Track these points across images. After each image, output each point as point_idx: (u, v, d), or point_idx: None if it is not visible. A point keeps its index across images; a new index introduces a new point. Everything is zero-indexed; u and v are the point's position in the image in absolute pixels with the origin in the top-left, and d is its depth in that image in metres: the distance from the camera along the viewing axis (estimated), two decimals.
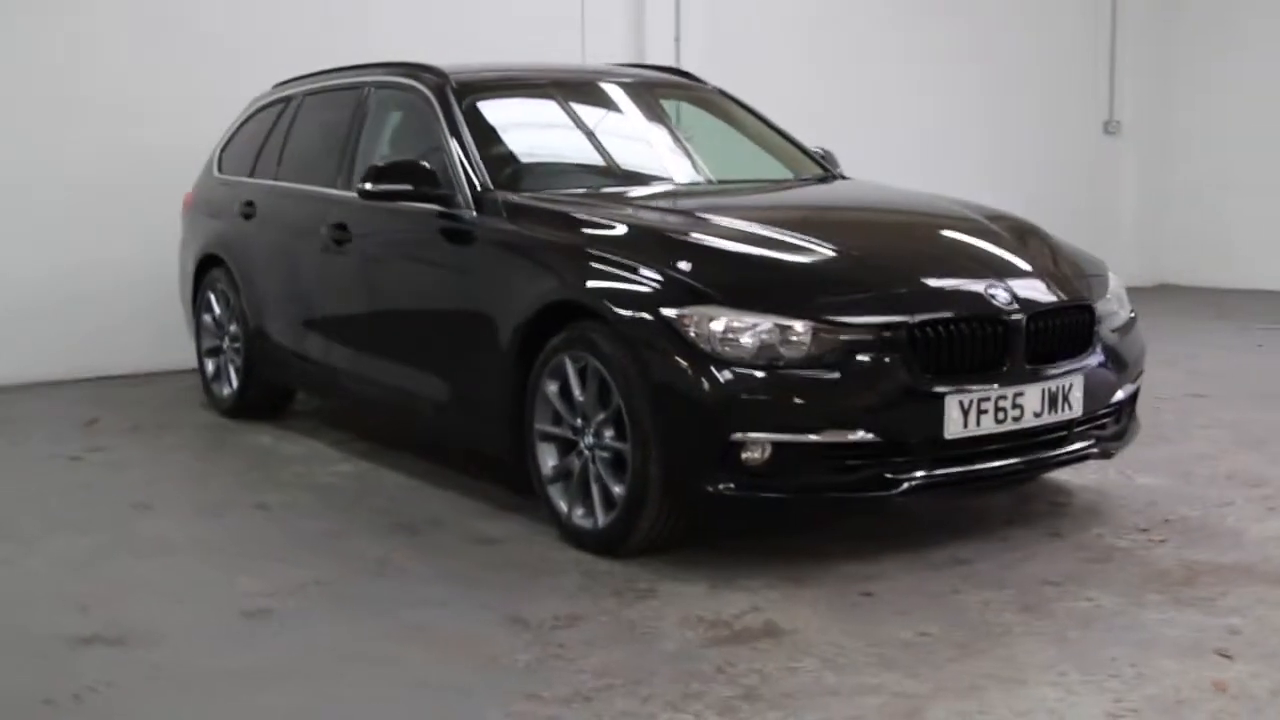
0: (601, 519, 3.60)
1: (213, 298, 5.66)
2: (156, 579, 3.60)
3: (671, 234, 3.78)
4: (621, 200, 4.19)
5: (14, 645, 3.12)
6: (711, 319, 3.34)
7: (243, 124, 5.84)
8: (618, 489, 3.53)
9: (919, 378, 3.37)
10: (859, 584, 3.38)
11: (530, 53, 6.72)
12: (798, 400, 3.33)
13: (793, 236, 3.75)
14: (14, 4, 6.28)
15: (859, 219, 4.42)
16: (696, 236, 3.74)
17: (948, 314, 3.44)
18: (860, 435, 3.34)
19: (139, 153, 6.45)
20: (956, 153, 9.13)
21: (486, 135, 4.38)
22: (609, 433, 3.55)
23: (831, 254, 3.66)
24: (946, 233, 4.04)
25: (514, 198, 4.11)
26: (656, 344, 3.40)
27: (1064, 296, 3.69)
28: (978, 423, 3.42)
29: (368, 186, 4.26)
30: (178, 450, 5.19)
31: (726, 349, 3.32)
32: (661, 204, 4.24)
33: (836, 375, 3.33)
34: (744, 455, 3.33)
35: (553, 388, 3.71)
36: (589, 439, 3.63)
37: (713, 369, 3.32)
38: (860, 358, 3.34)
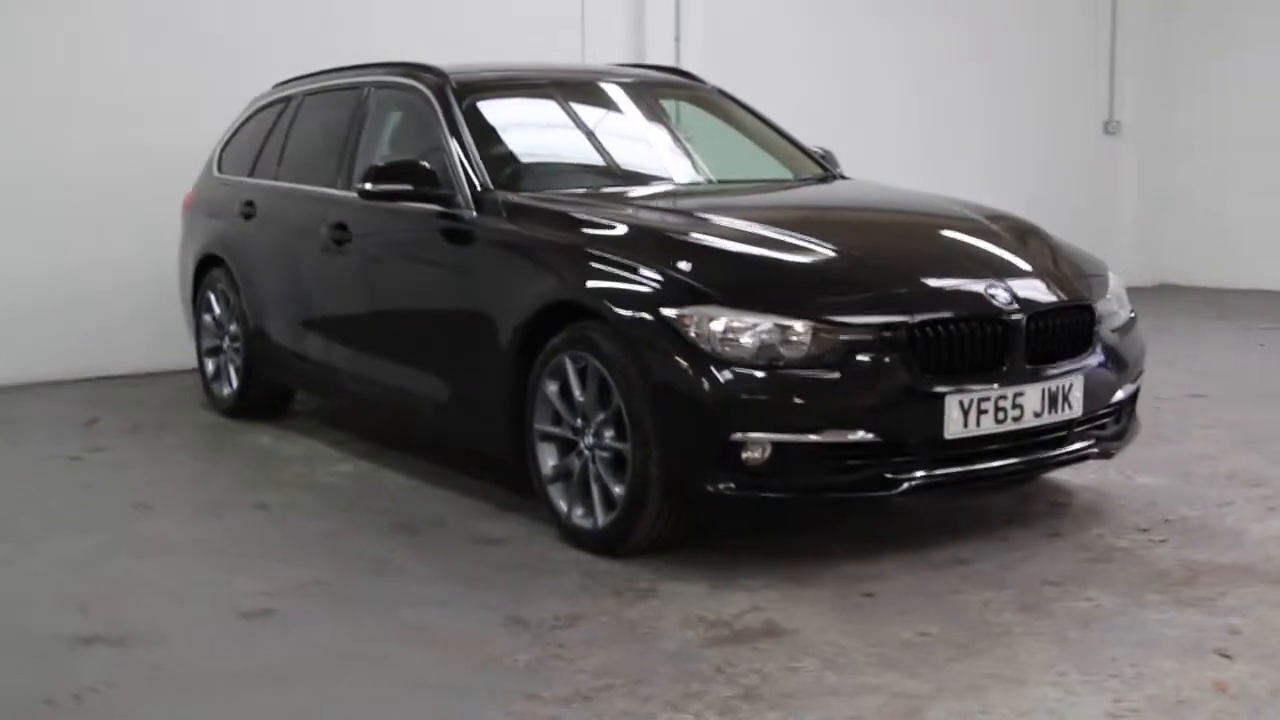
0: (601, 519, 3.60)
1: (212, 298, 5.66)
2: (156, 579, 3.60)
3: (672, 234, 3.78)
4: (622, 200, 4.19)
5: (14, 645, 3.12)
6: (712, 319, 3.34)
7: (242, 124, 5.84)
8: (618, 489, 3.53)
9: (919, 378, 3.37)
10: (859, 584, 3.38)
11: (530, 53, 6.72)
12: (798, 400, 3.33)
13: (793, 237, 3.75)
14: (14, 4, 6.29)
15: (859, 219, 4.42)
16: (697, 236, 3.74)
17: (948, 314, 3.44)
18: (860, 435, 3.34)
19: (139, 153, 6.45)
20: (956, 153, 9.13)
21: (486, 135, 4.38)
22: (609, 433, 3.55)
23: (832, 254, 3.66)
24: (946, 233, 4.04)
25: (514, 198, 4.11)
26: (657, 344, 3.39)
27: (1064, 296, 3.69)
28: (978, 423, 3.42)
29: (368, 186, 4.26)
30: (177, 450, 5.19)
31: (727, 349, 3.32)
32: (662, 204, 4.24)
33: (837, 375, 3.33)
34: (744, 455, 3.33)
35: (553, 388, 3.71)
36: (589, 439, 3.63)
37: (713, 369, 3.32)
38: (860, 358, 3.34)
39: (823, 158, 5.05)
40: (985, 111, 9.55)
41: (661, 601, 3.28)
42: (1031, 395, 3.50)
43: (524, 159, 4.49)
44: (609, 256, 3.64)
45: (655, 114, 4.87)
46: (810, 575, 3.45)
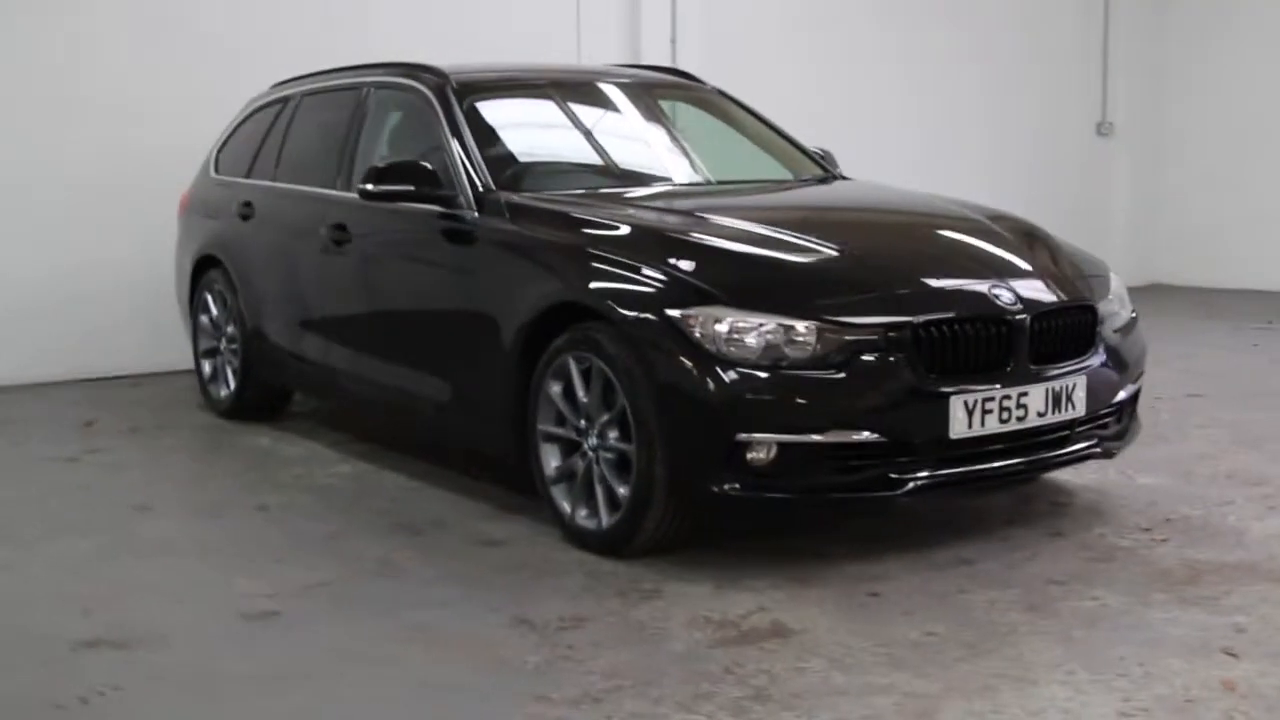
0: (606, 520, 3.59)
1: (210, 299, 5.64)
2: (158, 581, 3.58)
3: (675, 234, 3.78)
4: (624, 201, 4.19)
5: (17, 648, 3.10)
6: (717, 319, 3.34)
7: (240, 124, 5.82)
8: (622, 490, 3.52)
9: (924, 378, 3.38)
10: (864, 584, 3.38)
11: (525, 54, 6.71)
12: (803, 400, 3.33)
13: (796, 237, 3.75)
14: (14, 4, 6.26)
15: (861, 219, 4.42)
16: (700, 237, 3.74)
17: (952, 314, 3.44)
18: (865, 435, 3.34)
19: (139, 153, 6.44)
20: (951, 154, 9.15)
21: (487, 136, 4.37)
22: (613, 433, 3.55)
23: (835, 254, 3.66)
24: (949, 233, 4.05)
25: (516, 198, 4.10)
26: (661, 344, 3.39)
27: (1067, 297, 3.70)
28: (982, 423, 3.43)
29: (369, 187, 4.25)
30: (176, 451, 5.17)
31: (731, 349, 3.32)
32: (664, 204, 4.23)
33: (841, 375, 3.33)
34: (749, 455, 3.33)
35: (556, 388, 3.71)
36: (593, 440, 3.62)
37: (718, 369, 3.32)
38: (865, 358, 3.34)
39: (822, 158, 5.06)
40: (980, 113, 9.58)
41: (667, 602, 3.28)
42: (1035, 395, 3.51)
43: (525, 159, 4.49)
44: (612, 257, 3.64)
45: (656, 114, 4.87)
46: (814, 575, 3.45)
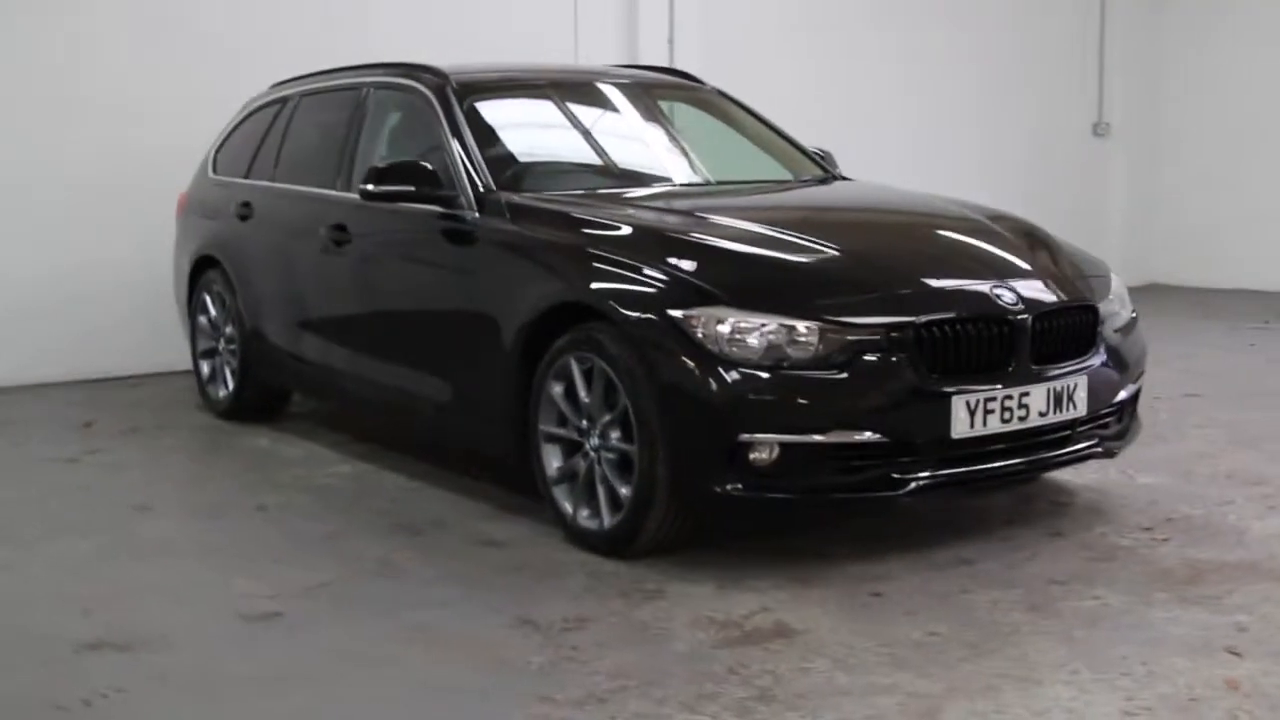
0: (607, 520, 3.59)
1: (208, 299, 5.63)
2: (159, 582, 3.58)
3: (676, 235, 3.78)
4: (624, 201, 4.19)
5: (19, 650, 3.10)
6: (719, 319, 3.34)
7: (238, 125, 5.82)
8: (624, 490, 3.52)
9: (926, 378, 3.38)
10: (867, 584, 3.39)
11: (523, 53, 6.71)
12: (805, 401, 3.33)
13: (798, 237, 3.75)
14: (14, 4, 6.25)
15: (863, 220, 4.43)
16: (702, 237, 3.74)
17: (954, 314, 3.45)
18: (867, 436, 3.34)
19: (139, 153, 6.43)
20: (948, 154, 9.16)
21: (488, 136, 4.37)
22: (615, 434, 3.55)
23: (837, 255, 3.66)
24: (950, 233, 4.05)
25: (517, 199, 4.10)
26: (664, 345, 3.39)
27: (1068, 297, 3.71)
28: (984, 423, 3.43)
29: (370, 188, 4.24)
30: (175, 452, 5.16)
31: (734, 349, 3.32)
32: (665, 204, 4.23)
33: (844, 376, 3.33)
34: (752, 456, 3.33)
35: (557, 389, 3.70)
36: (594, 440, 3.62)
37: (720, 369, 3.32)
38: (867, 358, 3.35)
39: (822, 159, 5.06)
40: (977, 114, 9.59)
41: (670, 602, 3.28)
42: (1037, 395, 3.51)
43: (526, 160, 4.49)
44: (614, 257, 3.64)
45: (656, 115, 4.87)
46: (817, 576, 3.45)
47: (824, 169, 5.00)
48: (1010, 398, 3.46)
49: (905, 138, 9.00)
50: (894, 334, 3.37)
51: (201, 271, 5.66)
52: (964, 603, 3.25)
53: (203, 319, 5.68)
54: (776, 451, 3.33)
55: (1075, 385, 3.60)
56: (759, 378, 3.31)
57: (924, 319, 3.40)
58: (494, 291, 3.95)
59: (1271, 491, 4.23)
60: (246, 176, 5.53)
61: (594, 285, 3.62)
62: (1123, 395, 3.86)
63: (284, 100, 5.51)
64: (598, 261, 3.65)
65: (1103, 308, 3.81)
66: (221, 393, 5.59)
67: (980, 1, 9.61)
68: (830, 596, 3.30)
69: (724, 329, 3.33)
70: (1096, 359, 3.72)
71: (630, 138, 4.81)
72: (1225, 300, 9.34)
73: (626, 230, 3.82)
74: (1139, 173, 10.48)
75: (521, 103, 4.81)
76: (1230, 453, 4.76)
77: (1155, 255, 10.40)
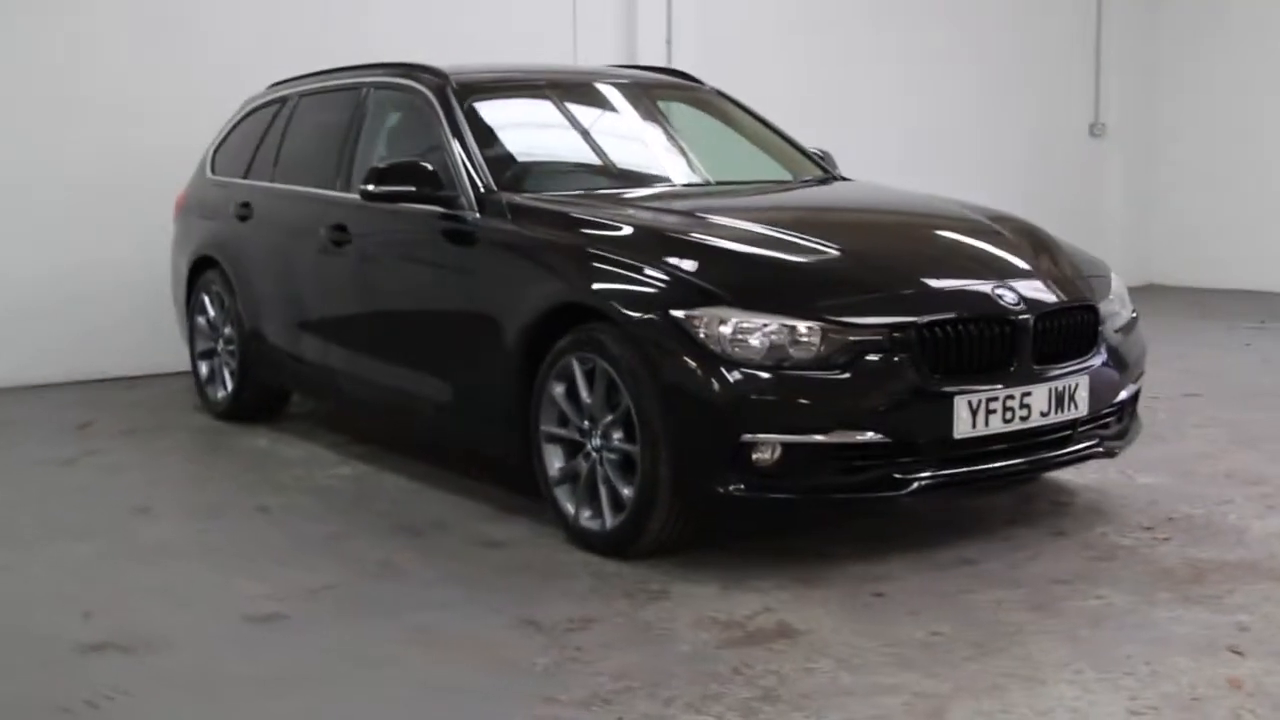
0: (610, 521, 3.59)
1: (207, 300, 5.62)
2: (160, 583, 3.57)
3: (678, 235, 3.78)
4: (625, 201, 4.19)
5: (22, 652, 3.09)
6: (721, 320, 3.34)
7: (236, 125, 5.81)
8: (626, 490, 3.52)
9: (928, 378, 3.38)
10: (869, 584, 3.39)
11: (521, 54, 6.71)
12: (807, 401, 3.33)
13: (799, 238, 3.75)
14: (14, 4, 6.25)
15: (864, 220, 4.43)
16: (703, 238, 3.74)
17: (956, 314, 3.45)
18: (870, 436, 3.34)
19: (139, 153, 6.42)
20: (946, 154, 9.16)
21: (488, 136, 4.37)
22: (617, 434, 3.55)
23: (839, 255, 3.67)
24: (952, 234, 4.05)
25: (517, 199, 4.10)
26: (666, 345, 3.39)
27: (1069, 297, 3.72)
28: (986, 423, 3.44)
29: (370, 188, 4.24)
30: (173, 453, 5.15)
31: (736, 350, 3.32)
32: (666, 205, 4.23)
33: (846, 376, 3.33)
34: (754, 456, 3.33)
35: (559, 389, 3.70)
36: (596, 441, 3.62)
37: (723, 370, 3.32)
38: (869, 358, 3.35)
39: (821, 159, 5.06)
40: (974, 114, 9.59)
41: (674, 603, 3.28)
42: (1039, 395, 3.52)
43: (526, 160, 4.49)
44: (615, 258, 3.64)
45: (656, 115, 4.87)
46: (819, 576, 3.45)
47: (823, 169, 5.00)
48: (1012, 398, 3.47)
49: (902, 138, 9.01)
50: (896, 334, 3.37)
51: (200, 272, 5.65)
52: (967, 602, 3.26)
53: (201, 320, 5.67)
54: (779, 452, 3.33)
55: (1076, 385, 3.61)
56: (761, 378, 3.31)
57: (926, 319, 3.40)
58: (495, 292, 3.95)
59: (1271, 491, 4.24)
60: (245, 177, 5.52)
61: (596, 286, 3.62)
62: (1123, 395, 3.86)
63: (283, 100, 5.50)
64: (599, 262, 3.65)
65: (1103, 308, 3.82)
66: (220, 393, 5.58)
67: (977, 1, 9.63)
68: (833, 597, 3.31)
69: (726, 329, 3.33)
70: (1097, 359, 3.73)
71: (630, 138, 4.81)
72: (1221, 300, 9.36)
73: (628, 231, 3.82)
74: (1135, 173, 10.50)
75: (521, 103, 4.80)
76: (1229, 452, 4.77)
77: (1151, 255, 10.42)
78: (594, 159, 4.64)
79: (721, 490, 3.36)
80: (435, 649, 3.04)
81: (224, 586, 3.52)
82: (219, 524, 4.15)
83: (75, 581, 3.59)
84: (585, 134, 4.70)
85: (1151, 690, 2.71)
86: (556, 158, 4.65)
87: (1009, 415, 3.47)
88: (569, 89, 4.85)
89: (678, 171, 4.65)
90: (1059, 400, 3.56)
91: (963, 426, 3.40)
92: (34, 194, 6.29)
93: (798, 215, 4.34)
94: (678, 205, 4.22)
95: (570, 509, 3.71)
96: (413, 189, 4.20)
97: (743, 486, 3.35)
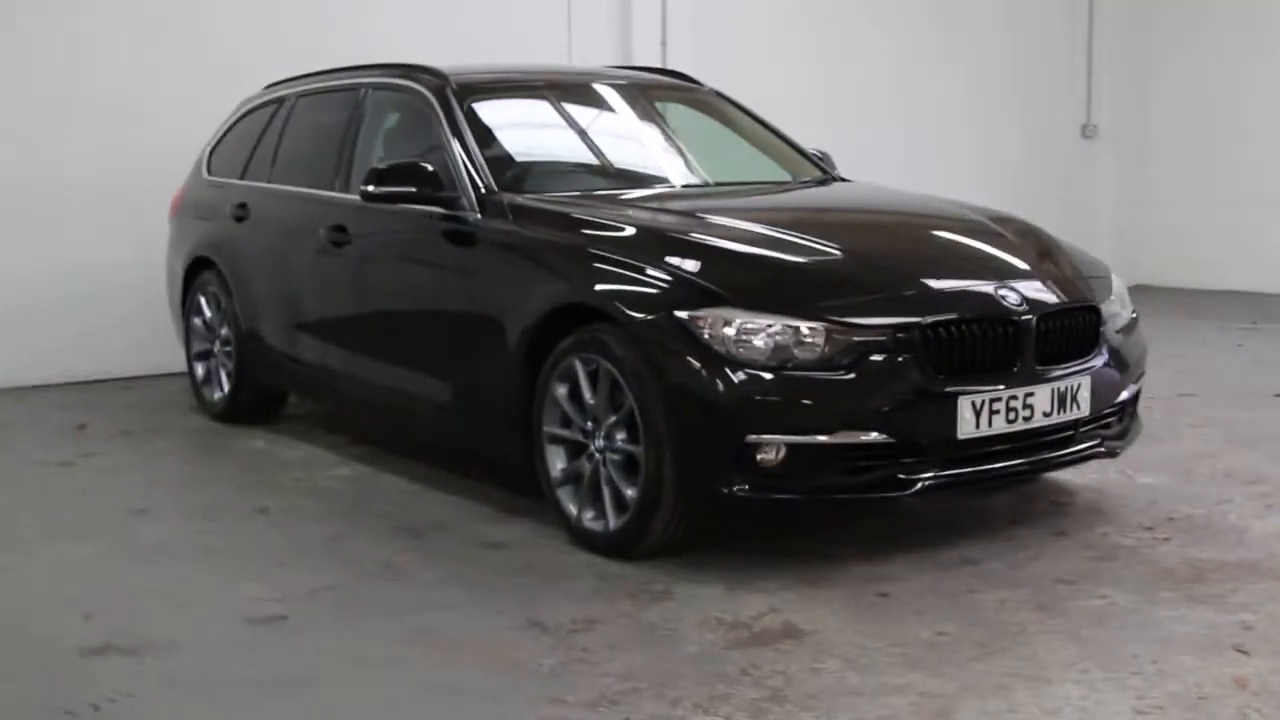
0: (613, 521, 3.58)
1: (203, 301, 5.59)
2: (160, 585, 3.55)
3: (681, 235, 3.78)
4: (626, 202, 4.19)
5: (24, 655, 3.07)
6: (725, 321, 3.34)
7: (232, 126, 5.79)
8: (629, 491, 3.51)
9: (931, 379, 3.39)
10: (873, 584, 3.39)
11: (515, 54, 6.71)
12: (811, 402, 3.33)
13: (801, 238, 3.76)
14: (14, 4, 6.23)
15: (865, 221, 4.43)
16: (706, 238, 3.74)
17: (959, 315, 3.45)
18: (874, 436, 3.35)
19: (138, 153, 6.40)
20: (939, 155, 9.19)
21: (488, 137, 4.36)
22: (620, 435, 3.54)
23: (842, 256, 3.67)
24: (953, 235, 4.06)
25: (519, 199, 4.09)
26: (670, 346, 3.39)
27: (1071, 298, 3.72)
28: (989, 423, 3.44)
29: (370, 189, 4.23)
30: (171, 455, 5.13)
31: (740, 350, 3.32)
32: (667, 205, 4.23)
33: (850, 377, 3.33)
34: (758, 457, 3.33)
35: (562, 390, 3.70)
36: (599, 441, 3.61)
37: (727, 370, 3.32)
38: (873, 359, 3.35)
39: (820, 160, 5.07)
40: (967, 114, 9.62)
41: (678, 604, 3.27)
42: (1041, 395, 3.52)
43: (527, 161, 4.48)
44: (618, 259, 3.63)
45: (655, 116, 4.87)
46: (823, 576, 3.45)
47: (823, 170, 5.01)
48: (1015, 398, 3.48)
49: (896, 138, 9.03)
50: (900, 335, 3.37)
51: (196, 273, 5.62)
52: (971, 602, 3.26)
53: (198, 321, 5.65)
54: (783, 452, 3.33)
55: (1079, 385, 3.62)
56: (765, 379, 3.31)
57: (929, 320, 3.41)
58: (496, 293, 3.94)
59: (1270, 490, 4.25)
60: (242, 177, 5.51)
61: (598, 287, 3.62)
62: (1124, 395, 3.87)
63: (280, 101, 5.48)
64: (602, 263, 3.65)
65: (1105, 308, 3.83)
66: (217, 395, 5.56)
67: (968, 2, 9.65)
68: (838, 597, 3.31)
69: (730, 330, 3.33)
70: (1099, 359, 3.74)
71: (631, 139, 4.81)
72: (1212, 301, 9.40)
73: (630, 231, 3.81)
74: (1127, 174, 10.54)
75: (521, 104, 4.80)
76: (1227, 452, 4.79)
77: (1143, 256, 10.44)
78: (594, 160, 4.63)
79: (726, 491, 3.36)
80: (438, 650, 3.03)
81: (224, 588, 3.51)
82: (218, 525, 4.13)
83: (75, 583, 3.57)
84: (585, 135, 4.69)
85: (1158, 689, 2.72)
86: (556, 158, 4.64)
87: (1012, 416, 3.47)
88: (568, 90, 4.85)
89: (677, 172, 4.65)
90: (1061, 401, 3.57)
91: (966, 427, 3.40)
92: (33, 194, 6.26)
93: (799, 216, 4.34)
94: (679, 206, 4.22)
95: (573, 510, 3.71)
96: (413, 190, 4.19)
97: (747, 487, 3.35)
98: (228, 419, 5.51)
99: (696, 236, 3.76)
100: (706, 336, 3.34)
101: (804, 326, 3.33)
